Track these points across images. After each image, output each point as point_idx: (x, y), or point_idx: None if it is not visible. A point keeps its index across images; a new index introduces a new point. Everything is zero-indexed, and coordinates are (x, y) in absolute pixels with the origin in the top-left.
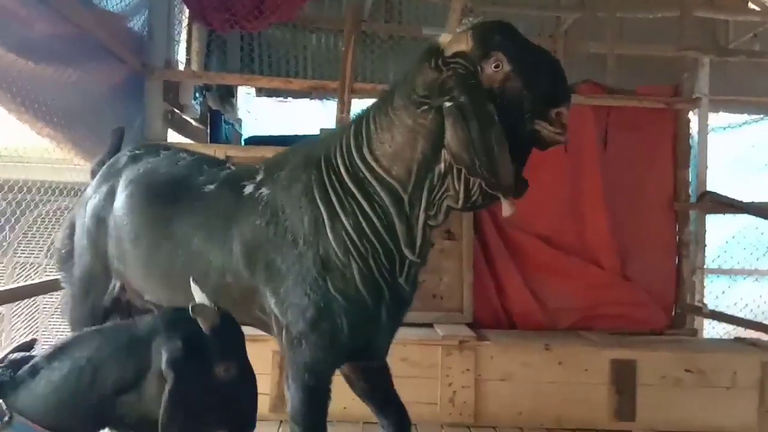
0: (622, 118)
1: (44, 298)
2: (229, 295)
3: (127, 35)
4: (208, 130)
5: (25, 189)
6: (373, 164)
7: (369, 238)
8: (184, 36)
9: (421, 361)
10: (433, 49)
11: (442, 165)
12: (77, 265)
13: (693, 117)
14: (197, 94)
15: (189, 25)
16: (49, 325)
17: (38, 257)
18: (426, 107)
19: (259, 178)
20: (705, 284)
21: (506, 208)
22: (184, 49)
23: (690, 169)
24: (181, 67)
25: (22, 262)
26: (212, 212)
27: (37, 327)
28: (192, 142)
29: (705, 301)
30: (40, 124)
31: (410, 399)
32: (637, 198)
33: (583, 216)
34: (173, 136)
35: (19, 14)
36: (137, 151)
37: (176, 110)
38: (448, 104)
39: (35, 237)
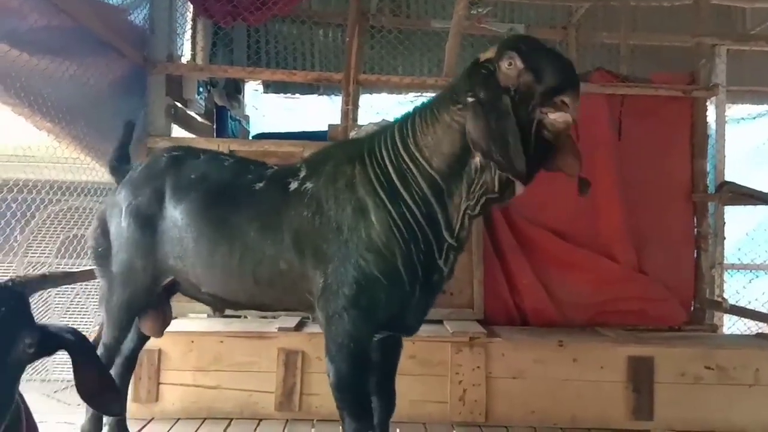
0: (636, 107)
1: (56, 297)
2: (281, 281)
3: (127, 29)
4: (215, 126)
5: (35, 189)
6: (417, 155)
7: (410, 224)
8: (188, 31)
9: (430, 359)
10: (474, 60)
11: (478, 159)
12: (116, 261)
13: (710, 106)
14: (201, 89)
15: (194, 20)
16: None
17: (48, 257)
18: (460, 105)
19: (302, 174)
20: (725, 279)
21: (518, 189)
22: (189, 45)
23: (707, 160)
24: (185, 61)
25: (34, 262)
26: (263, 207)
27: None
28: (196, 137)
29: (725, 296)
30: (38, 117)
31: (419, 397)
32: (653, 189)
33: (598, 208)
34: (177, 132)
35: (10, 4)
36: (175, 153)
37: (180, 105)
38: (470, 99)
39: (46, 237)
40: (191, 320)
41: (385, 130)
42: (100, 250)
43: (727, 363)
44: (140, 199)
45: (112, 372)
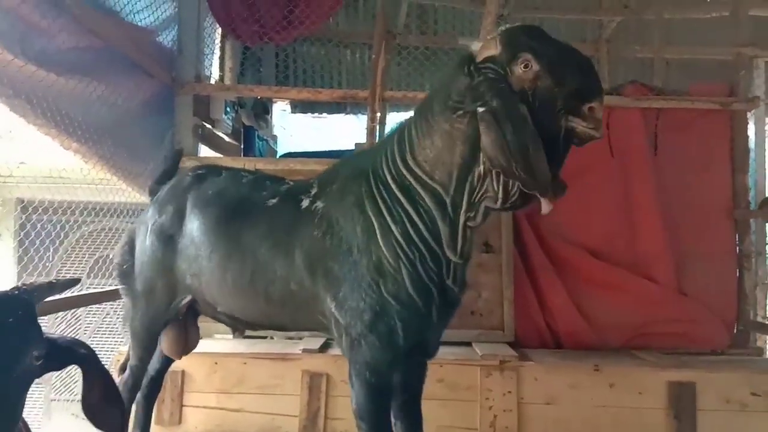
0: (672, 121)
1: (87, 316)
2: (293, 301)
3: (156, 50)
4: (242, 146)
5: (69, 210)
6: (417, 170)
7: (416, 243)
8: (217, 53)
9: (458, 383)
10: (465, 56)
11: (481, 167)
12: (139, 280)
13: (749, 120)
14: (228, 109)
15: (222, 41)
16: (92, 342)
17: (82, 277)
18: (461, 112)
19: (313, 192)
20: None
21: (545, 206)
22: (218, 66)
23: (749, 175)
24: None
25: None
26: (275, 225)
27: None
28: (222, 156)
29: None
30: (65, 137)
31: (447, 423)
32: (691, 205)
33: (635, 225)
34: (205, 152)
35: (40, 25)
36: (199, 171)
37: (207, 125)
38: (481, 110)
39: (78, 257)
40: (216, 341)
41: (385, 144)
42: (124, 267)
43: None
44: (164, 218)
45: (138, 393)
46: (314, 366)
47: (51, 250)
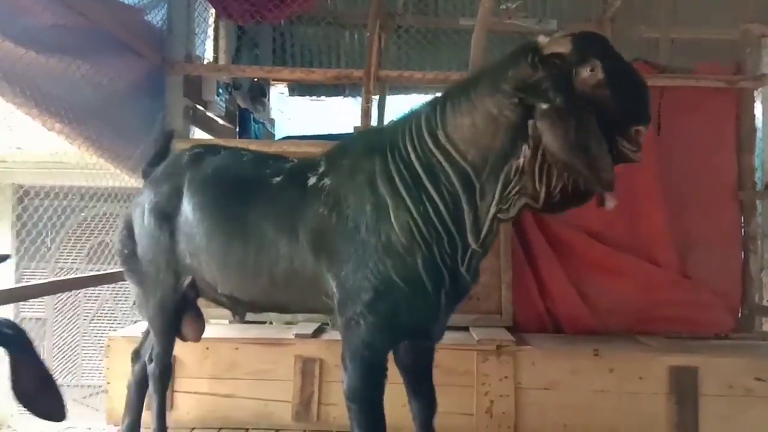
0: (676, 100)
1: (85, 303)
2: (297, 281)
3: (144, 29)
4: (237, 129)
5: (67, 196)
6: (449, 147)
7: (435, 224)
8: (211, 33)
9: (455, 368)
10: (530, 46)
11: (521, 161)
12: (143, 263)
13: (757, 99)
14: (221, 91)
15: (216, 21)
16: (89, 329)
17: (81, 263)
18: (516, 101)
19: (321, 169)
20: None
21: (609, 201)
22: (212, 47)
23: (755, 155)
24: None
25: (66, 268)
26: (279, 203)
27: (78, 332)
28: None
29: None
30: (47, 117)
31: (443, 409)
32: (696, 187)
33: (637, 207)
34: (199, 135)
35: (21, 3)
36: (197, 150)
37: (199, 107)
38: (544, 106)
39: (77, 243)
40: (209, 326)
41: (409, 119)
42: (126, 252)
43: None
44: (161, 197)
45: (130, 380)
46: (307, 351)
47: (50, 236)
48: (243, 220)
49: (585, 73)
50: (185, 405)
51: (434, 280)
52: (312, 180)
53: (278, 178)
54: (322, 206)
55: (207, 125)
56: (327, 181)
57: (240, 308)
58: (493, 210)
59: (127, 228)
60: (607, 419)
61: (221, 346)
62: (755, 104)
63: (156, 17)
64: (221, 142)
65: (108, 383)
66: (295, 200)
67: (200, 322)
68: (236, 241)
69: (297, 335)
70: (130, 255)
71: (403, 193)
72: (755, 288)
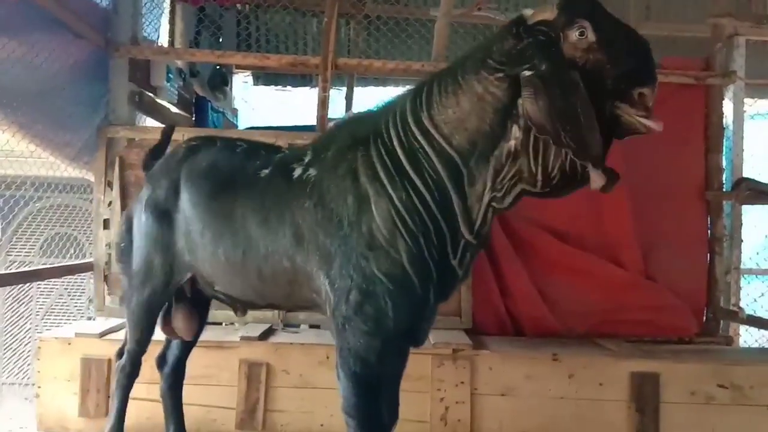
0: None
1: (40, 297)
2: (286, 279)
3: (86, 8)
4: (193, 117)
5: (22, 186)
6: (432, 131)
7: (420, 214)
8: (167, 16)
9: (409, 373)
10: (516, 19)
11: (513, 143)
12: (135, 257)
13: (726, 97)
14: (172, 76)
15: (172, 3)
16: (41, 325)
17: (33, 256)
18: (501, 75)
19: (306, 159)
20: (741, 285)
21: (595, 180)
22: (167, 30)
23: (723, 154)
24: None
25: (18, 261)
26: (266, 197)
27: (30, 328)
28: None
29: (741, 304)
30: None
31: None
32: (662, 186)
33: (602, 207)
34: (150, 122)
35: None
36: (193, 143)
37: (148, 92)
38: (527, 73)
39: (29, 235)
40: None
41: (395, 104)
42: (122, 246)
43: (744, 381)
44: (157, 192)
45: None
46: (253, 355)
47: (0, 227)
48: (231, 216)
49: (573, 36)
50: None
51: (421, 273)
52: (297, 171)
53: (266, 171)
54: (307, 200)
55: (157, 112)
56: (312, 172)
57: (238, 305)
58: (486, 198)
59: (127, 223)
60: (565, 427)
61: (159, 348)
62: (724, 102)
63: None
64: (215, 132)
65: (39, 387)
66: (281, 194)
67: (194, 319)
68: (225, 238)
69: (243, 338)
70: (125, 249)
71: (385, 181)
72: (720, 291)
